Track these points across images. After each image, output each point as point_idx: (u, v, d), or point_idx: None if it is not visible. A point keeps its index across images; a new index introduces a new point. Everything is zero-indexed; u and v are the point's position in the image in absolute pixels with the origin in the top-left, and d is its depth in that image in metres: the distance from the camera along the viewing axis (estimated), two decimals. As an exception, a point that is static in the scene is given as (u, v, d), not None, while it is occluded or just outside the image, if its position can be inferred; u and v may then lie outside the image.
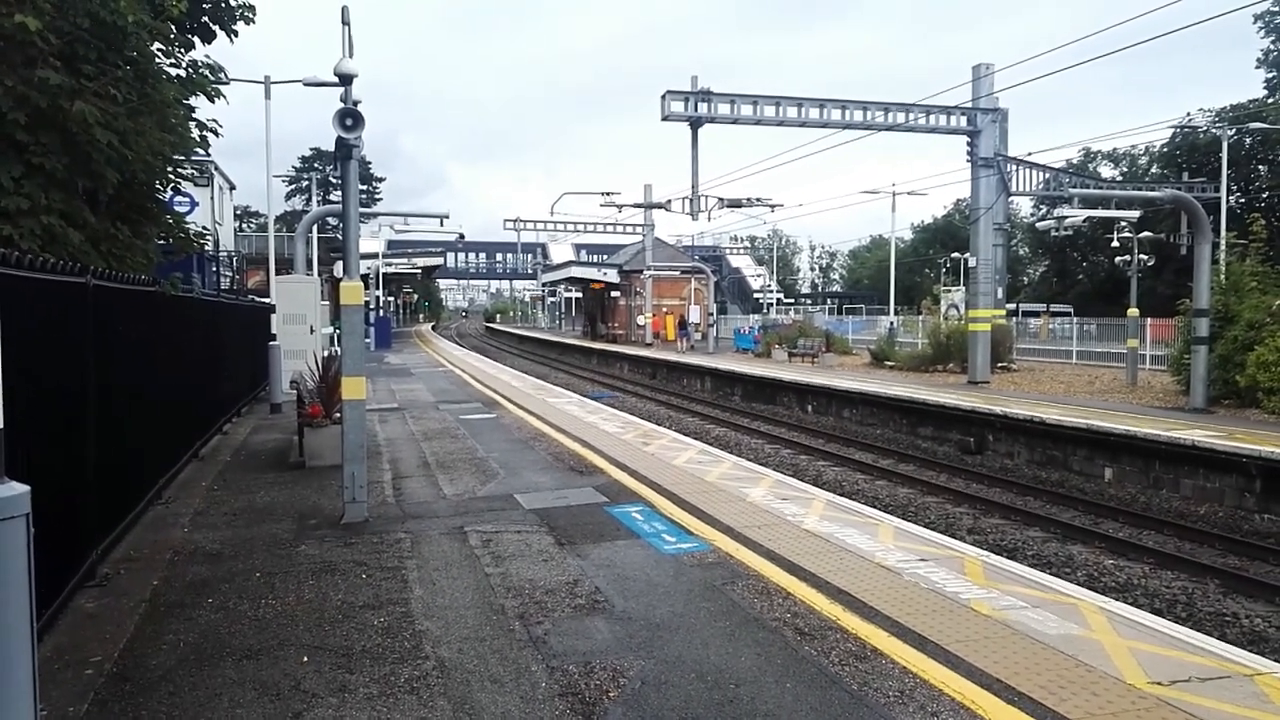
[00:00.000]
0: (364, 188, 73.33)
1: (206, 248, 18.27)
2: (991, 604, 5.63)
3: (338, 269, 34.52)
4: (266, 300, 20.24)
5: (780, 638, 5.09)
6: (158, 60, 9.47)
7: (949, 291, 37.13)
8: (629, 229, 53.42)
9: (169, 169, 10.11)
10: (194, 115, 10.41)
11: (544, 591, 5.92)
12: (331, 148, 8.30)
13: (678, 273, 48.99)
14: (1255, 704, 4.25)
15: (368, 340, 35.00)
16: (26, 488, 2.98)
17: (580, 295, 73.32)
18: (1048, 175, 24.15)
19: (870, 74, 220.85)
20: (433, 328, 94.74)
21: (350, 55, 8.30)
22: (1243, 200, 48.60)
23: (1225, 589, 9.20)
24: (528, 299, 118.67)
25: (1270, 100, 46.75)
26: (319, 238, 34.41)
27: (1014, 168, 23.32)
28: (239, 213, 59.17)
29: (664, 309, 48.11)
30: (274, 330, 18.14)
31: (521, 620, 5.38)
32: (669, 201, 33.06)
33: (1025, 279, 77.77)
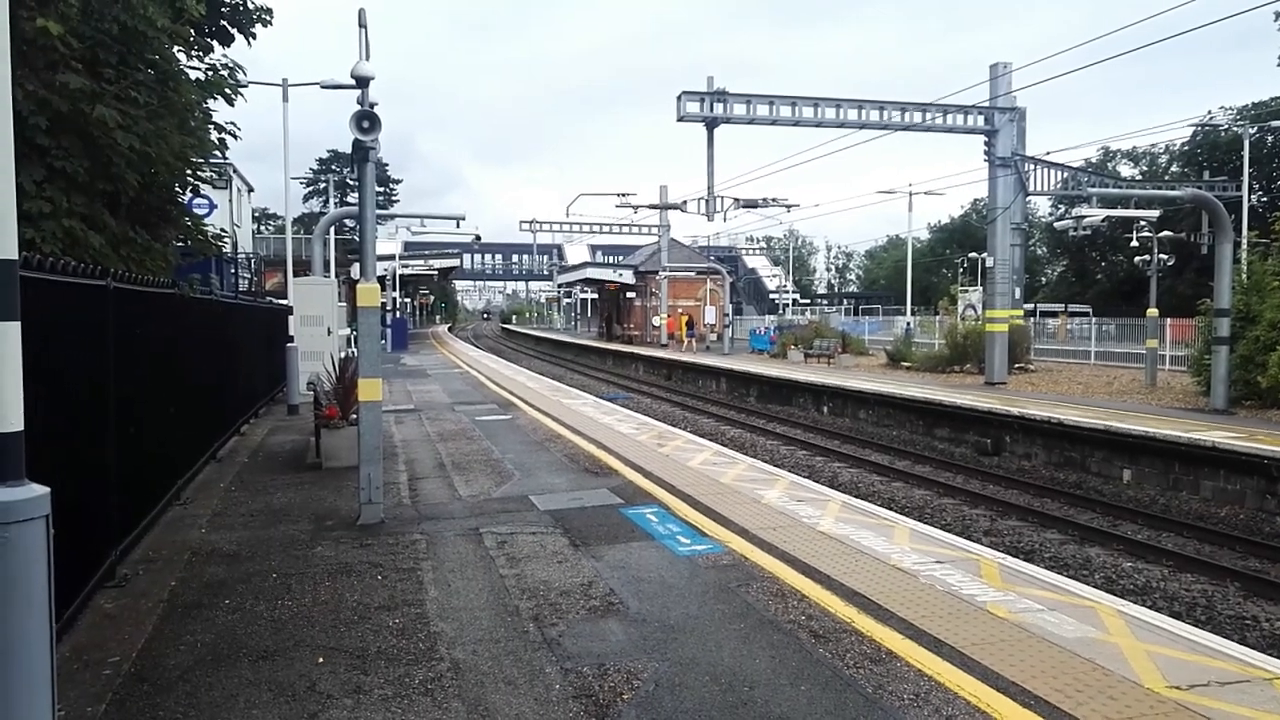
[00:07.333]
0: (381, 189, 73.68)
1: (225, 250, 18.39)
2: (1008, 607, 5.60)
3: (355, 271, 34.69)
4: (284, 302, 20.36)
5: (795, 640, 5.08)
6: (177, 63, 9.57)
7: (966, 292, 36.87)
8: (644, 230, 53.47)
9: (188, 172, 10.22)
10: (213, 118, 10.52)
11: (559, 593, 5.93)
12: (349, 150, 8.33)
13: (693, 273, 48.96)
14: (1277, 709, 4.20)
15: (384, 342, 35.16)
16: (47, 490, 3.01)
17: (596, 296, 73.42)
18: (1066, 174, 23.96)
19: (886, 73, 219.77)
20: (449, 329, 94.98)
21: (367, 58, 8.34)
22: (1265, 199, 48.05)
23: (1246, 592, 9.11)
24: (544, 300, 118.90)
25: (1292, 97, 46.20)
26: (336, 239, 34.61)
27: (1032, 167, 23.15)
28: (257, 215, 59.64)
29: (679, 310, 48.06)
30: (291, 332, 18.24)
31: (536, 622, 5.39)
32: (684, 202, 33.06)
33: (1043, 279, 77.21)
